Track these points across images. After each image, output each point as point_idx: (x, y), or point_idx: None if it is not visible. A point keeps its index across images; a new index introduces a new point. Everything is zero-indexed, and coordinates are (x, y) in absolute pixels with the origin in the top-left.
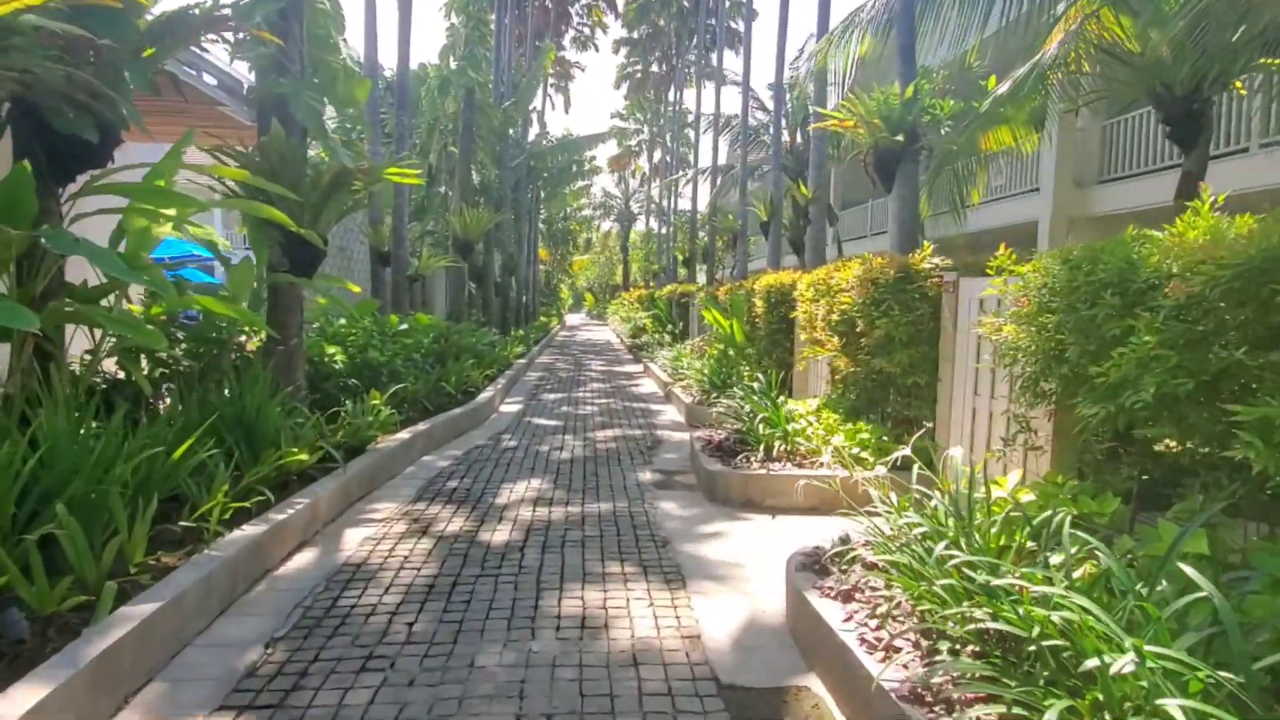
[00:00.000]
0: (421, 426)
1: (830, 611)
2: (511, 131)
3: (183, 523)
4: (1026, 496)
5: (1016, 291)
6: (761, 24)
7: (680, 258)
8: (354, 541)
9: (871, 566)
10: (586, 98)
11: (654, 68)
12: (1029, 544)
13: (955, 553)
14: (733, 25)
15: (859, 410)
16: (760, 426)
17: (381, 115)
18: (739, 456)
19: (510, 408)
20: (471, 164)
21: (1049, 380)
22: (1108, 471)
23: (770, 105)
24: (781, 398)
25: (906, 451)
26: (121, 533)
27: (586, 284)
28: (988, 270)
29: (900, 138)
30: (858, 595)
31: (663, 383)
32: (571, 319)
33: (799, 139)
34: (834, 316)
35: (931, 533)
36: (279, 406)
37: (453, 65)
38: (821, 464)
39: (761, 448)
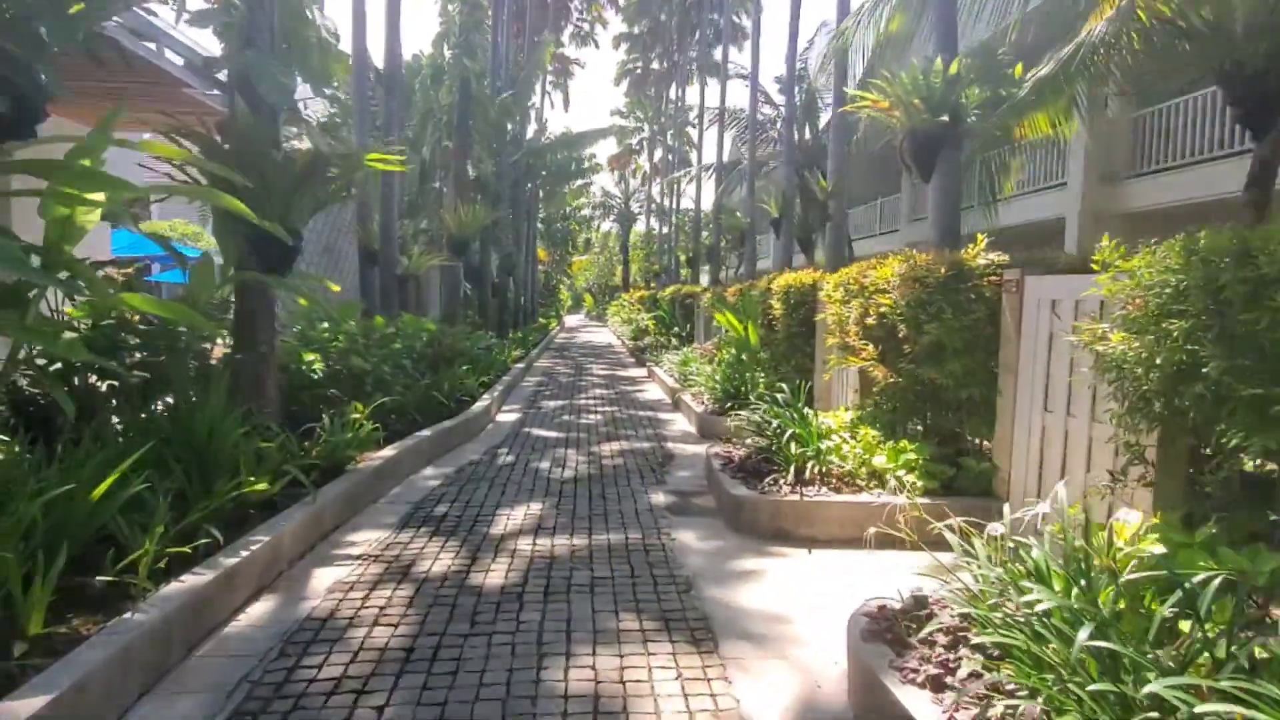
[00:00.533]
0: (409, 442)
1: (921, 708)
2: (510, 127)
3: (101, 577)
4: (1153, 548)
5: (1121, 291)
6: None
7: (683, 258)
8: (322, 586)
9: (958, 637)
10: (586, 96)
11: (655, 64)
12: (1163, 612)
13: (1104, 643)
14: (736, 20)
15: (897, 426)
16: (790, 445)
17: (373, 108)
18: (766, 479)
19: (508, 417)
20: (467, 158)
21: (1176, 399)
22: (1234, 513)
23: (777, 100)
24: (807, 410)
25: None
26: (15, 593)
27: (586, 285)
28: (1055, 266)
29: (945, 118)
30: (952, 682)
31: (670, 389)
32: (570, 320)
33: (807, 134)
34: (870, 320)
35: (1060, 609)
36: (239, 425)
37: (447, 54)
38: (859, 486)
39: (791, 469)
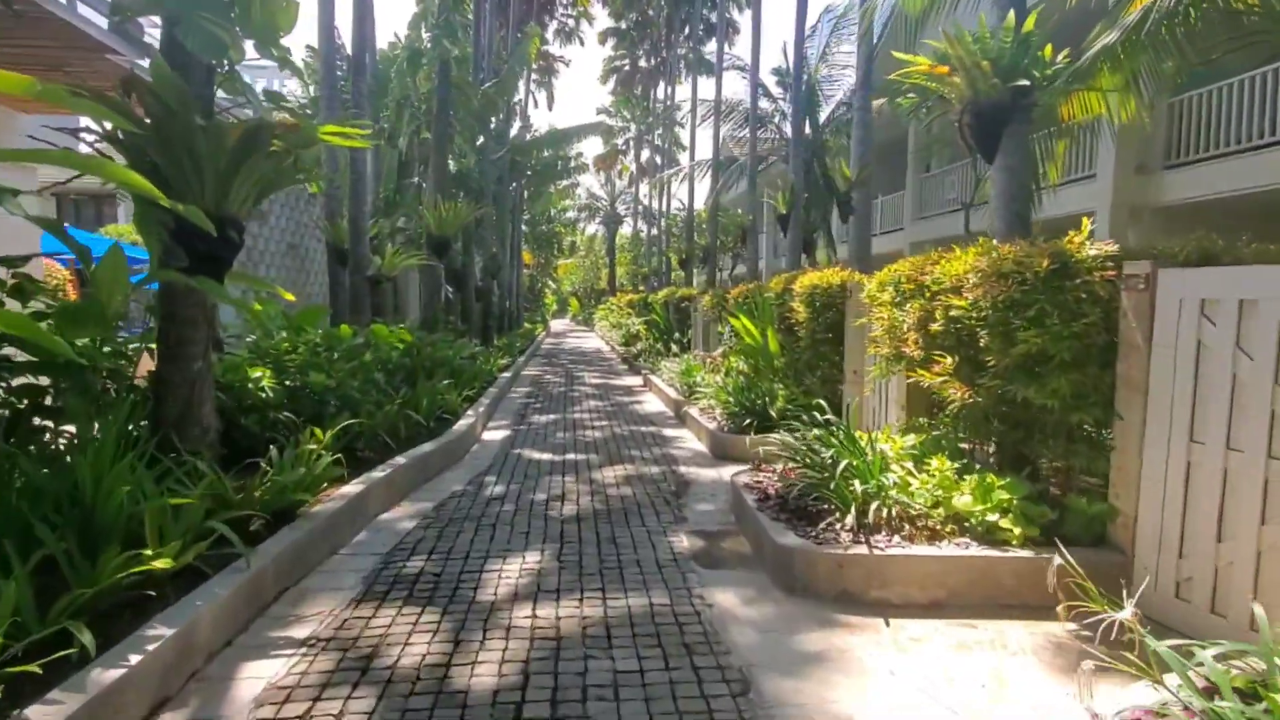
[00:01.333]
0: (379, 473)
1: None
2: (494, 121)
3: None
4: None
5: None
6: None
7: (674, 259)
8: (246, 697)
9: None
10: (572, 95)
11: (642, 61)
12: None
13: None
14: (729, 15)
15: (967, 453)
16: (848, 479)
17: (344, 97)
18: (819, 523)
19: (495, 434)
20: (448, 150)
21: None
22: None
23: (775, 93)
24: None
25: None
26: None
27: (571, 289)
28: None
29: (1016, 85)
30: None
31: (672, 401)
32: (556, 325)
33: (806, 129)
34: (935, 326)
35: None
36: (146, 468)
37: (425, 37)
38: (935, 531)
39: (851, 510)
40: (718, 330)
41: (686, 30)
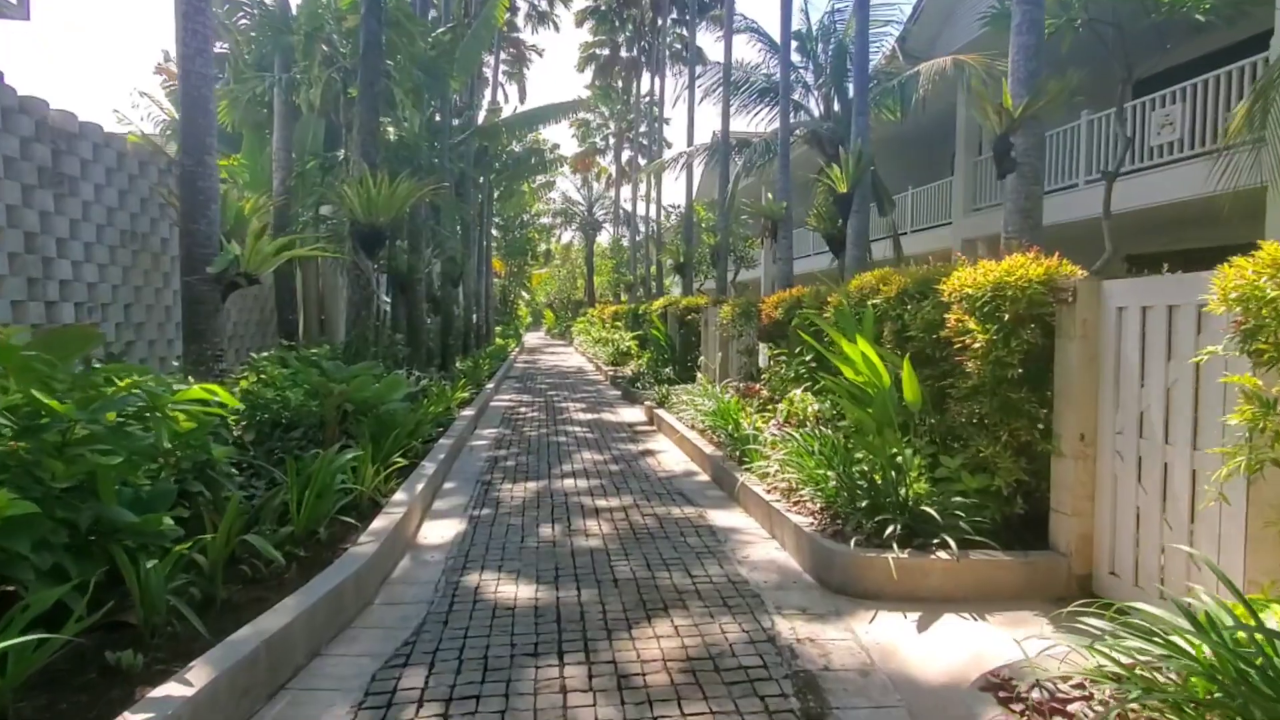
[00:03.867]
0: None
1: None
2: (456, 98)
3: None
4: None
5: None
6: None
7: (670, 263)
8: None
9: None
10: (546, 89)
11: (624, 51)
12: None
13: None
14: None
15: None
16: None
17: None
18: None
19: (439, 532)
20: (378, 105)
21: None
22: None
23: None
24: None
25: None
26: None
27: (546, 300)
28: None
29: None
30: None
31: (706, 458)
32: (531, 339)
33: (835, 104)
34: None
35: None
36: None
37: None
38: None
39: None
40: (739, 349)
41: (674, 14)
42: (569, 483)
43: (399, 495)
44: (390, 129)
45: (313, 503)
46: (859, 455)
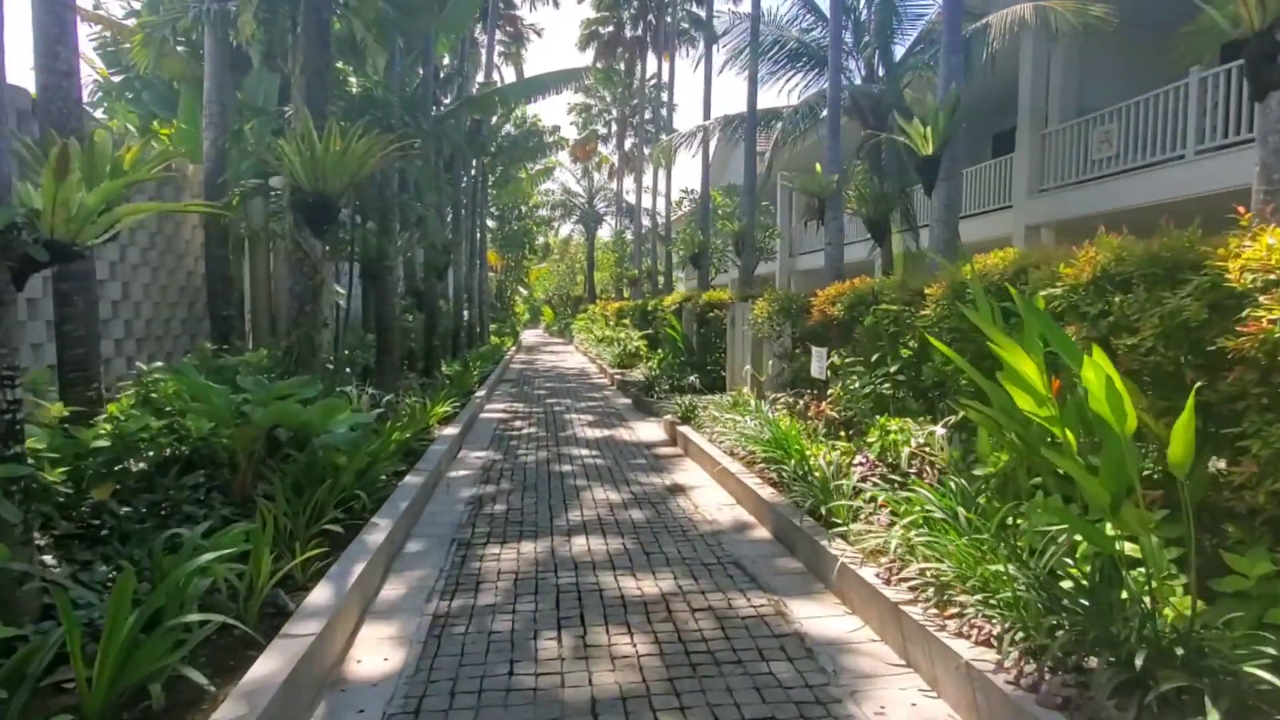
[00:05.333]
0: None
1: None
2: (446, 58)
3: None
4: None
5: None
6: None
7: (679, 255)
8: None
9: None
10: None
11: (627, 30)
12: None
13: None
14: None
15: None
16: None
17: None
18: None
19: (381, 652)
20: (329, 40)
21: None
22: None
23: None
24: None
25: None
26: None
27: (545, 296)
28: None
29: None
30: None
31: (765, 506)
32: (529, 337)
33: (879, 67)
34: None
35: None
36: None
37: None
38: None
39: None
40: (776, 353)
41: None
42: (579, 544)
43: (318, 594)
44: (353, 79)
45: (124, 652)
46: (1052, 537)
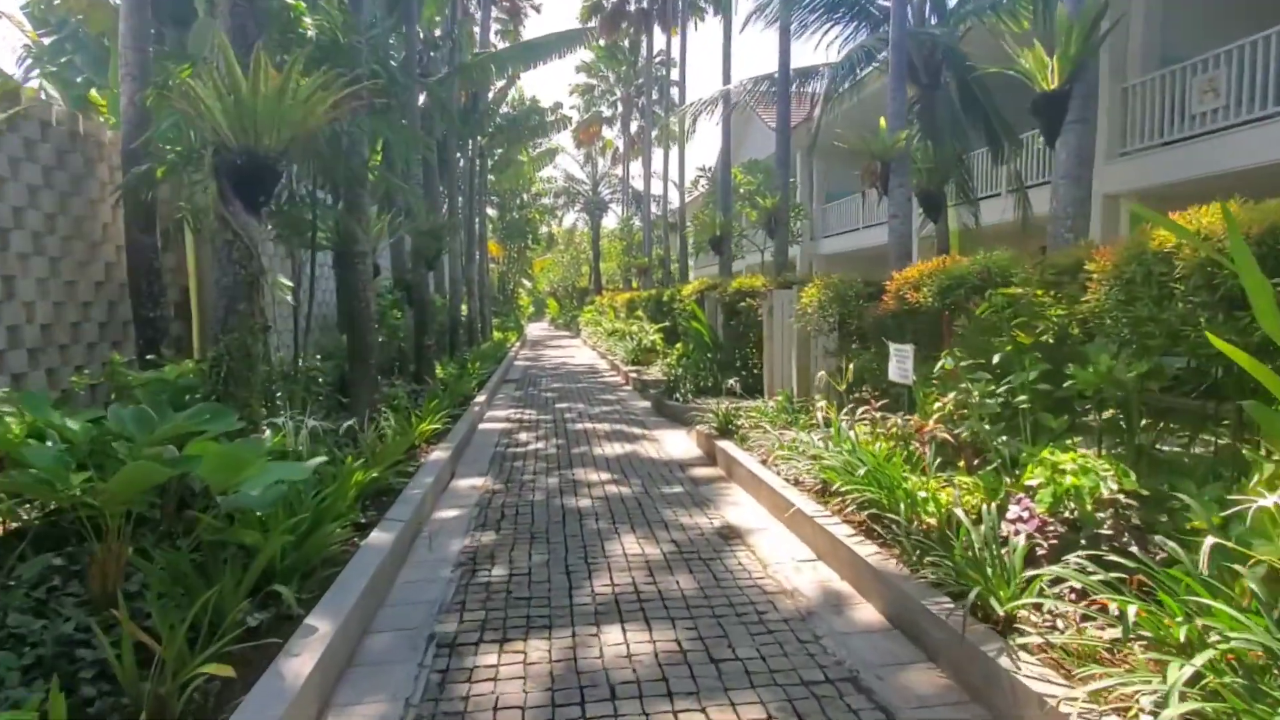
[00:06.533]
0: None
1: None
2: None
3: None
4: None
5: None
6: None
7: (692, 240)
8: None
9: None
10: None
11: (632, 3)
12: None
13: None
14: None
15: None
16: None
17: None
18: None
19: None
20: None
21: None
22: None
23: None
24: None
25: None
26: None
27: (549, 288)
28: None
29: None
30: None
31: (879, 580)
32: (533, 330)
33: (930, 14)
34: None
35: None
36: None
37: None
38: None
39: None
40: (827, 348)
41: None
42: (612, 640)
43: None
44: (308, 19)
45: None
46: None
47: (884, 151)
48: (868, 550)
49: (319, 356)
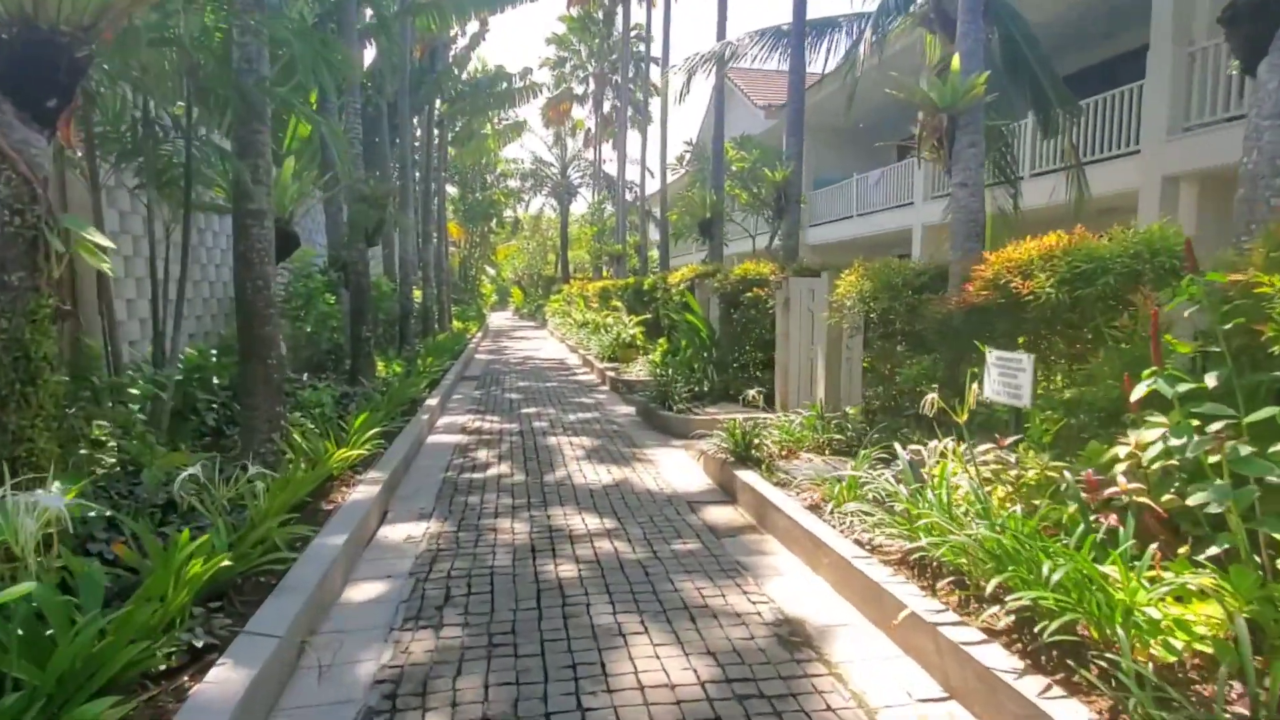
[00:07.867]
0: None
1: None
2: None
3: None
4: None
5: None
6: None
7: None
8: None
9: None
10: (511, 31)
11: None
12: None
13: None
14: None
15: None
16: None
17: None
18: None
19: None
20: None
21: None
22: None
23: None
24: None
25: None
26: None
27: (514, 276)
28: None
29: None
30: None
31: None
32: (497, 320)
33: None
34: None
35: None
36: None
37: None
38: None
39: None
40: (846, 349)
41: None
42: None
43: None
44: None
45: None
46: None
47: (953, 101)
48: (1068, 712)
49: (215, 353)
